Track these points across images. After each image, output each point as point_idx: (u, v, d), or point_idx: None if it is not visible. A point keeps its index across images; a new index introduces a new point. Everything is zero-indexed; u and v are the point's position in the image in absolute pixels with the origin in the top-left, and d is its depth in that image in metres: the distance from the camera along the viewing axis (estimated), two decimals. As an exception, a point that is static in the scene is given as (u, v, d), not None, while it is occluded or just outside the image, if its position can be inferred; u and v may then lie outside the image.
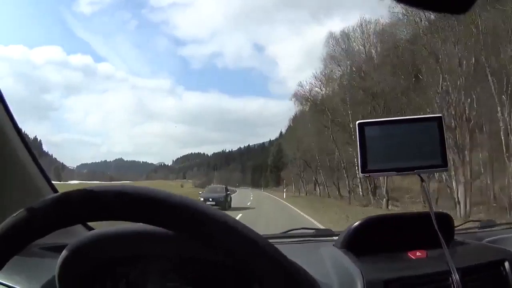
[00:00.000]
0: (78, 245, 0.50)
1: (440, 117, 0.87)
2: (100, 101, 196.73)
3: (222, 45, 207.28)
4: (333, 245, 1.02)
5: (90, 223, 0.93)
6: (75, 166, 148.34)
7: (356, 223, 0.99)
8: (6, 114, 0.90)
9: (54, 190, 1.03)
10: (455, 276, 0.76)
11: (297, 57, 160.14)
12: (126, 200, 0.41)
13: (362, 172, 0.86)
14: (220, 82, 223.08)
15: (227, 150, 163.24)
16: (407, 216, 1.05)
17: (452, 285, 0.77)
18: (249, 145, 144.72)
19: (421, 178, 0.89)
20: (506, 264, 0.84)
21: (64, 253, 0.50)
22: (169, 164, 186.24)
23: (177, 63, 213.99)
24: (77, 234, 0.52)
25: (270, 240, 1.49)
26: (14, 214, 0.41)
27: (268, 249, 0.43)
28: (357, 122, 0.88)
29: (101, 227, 0.52)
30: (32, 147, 0.99)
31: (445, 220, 0.98)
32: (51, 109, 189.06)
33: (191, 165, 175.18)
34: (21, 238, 0.41)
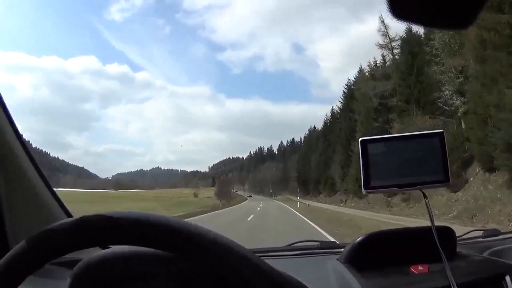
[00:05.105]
0: (90, 263, 0.52)
1: (442, 132, 0.88)
2: (140, 111, 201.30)
3: (261, 47, 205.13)
4: (337, 259, 1.04)
5: None
6: (111, 176, 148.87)
7: (360, 238, 1.02)
8: (16, 137, 0.94)
9: (67, 212, 1.09)
10: None
11: (339, 58, 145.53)
12: (137, 226, 0.43)
13: (365, 189, 0.89)
14: (261, 87, 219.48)
15: (265, 148, 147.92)
16: (410, 230, 1.09)
17: None
18: (293, 139, 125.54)
19: (423, 193, 0.90)
20: (507, 278, 0.85)
21: (75, 269, 0.52)
22: (206, 171, 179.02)
23: (216, 69, 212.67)
24: (90, 251, 0.52)
25: (275, 253, 1.31)
26: (31, 236, 0.43)
27: (260, 265, 0.45)
28: (360, 140, 0.90)
29: None
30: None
31: (447, 234, 1.00)
32: (93, 120, 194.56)
33: (226, 170, 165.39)
34: (36, 259, 0.43)
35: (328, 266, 1.02)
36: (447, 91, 21.68)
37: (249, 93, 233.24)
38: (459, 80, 21.49)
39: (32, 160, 0.99)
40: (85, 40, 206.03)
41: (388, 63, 32.74)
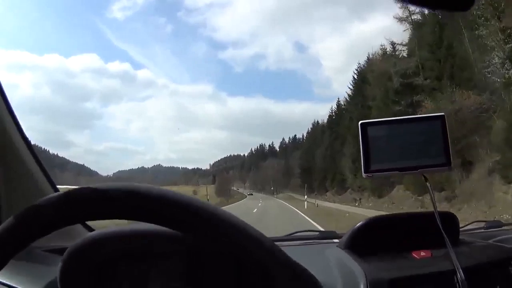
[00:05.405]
0: (79, 247, 0.52)
1: (443, 115, 0.89)
2: (142, 109, 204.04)
3: (263, 46, 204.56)
4: (337, 246, 1.04)
5: (91, 225, 1.04)
6: (112, 173, 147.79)
7: (360, 223, 1.01)
8: (8, 114, 0.95)
9: (55, 189, 1.08)
10: (460, 275, 0.77)
11: (341, 57, 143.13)
12: (130, 198, 0.41)
13: (365, 172, 0.88)
14: (264, 86, 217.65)
15: (266, 145, 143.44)
16: (411, 215, 1.09)
17: (457, 285, 0.77)
18: (295, 135, 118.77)
19: (425, 177, 0.90)
20: None
21: (65, 255, 0.53)
22: (207, 168, 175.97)
23: (218, 68, 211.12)
24: (78, 236, 0.53)
25: (275, 243, 1.34)
26: (19, 212, 0.42)
27: (275, 250, 0.46)
28: (360, 122, 0.90)
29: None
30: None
31: (450, 220, 0.98)
32: (94, 118, 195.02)
33: (227, 167, 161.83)
34: (25, 235, 0.42)
35: (328, 253, 1.00)
36: (496, 58, 16.93)
37: (251, 91, 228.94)
38: (510, 45, 16.86)
39: (33, 154, 0.99)
40: (86, 39, 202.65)
41: (398, 49, 28.20)
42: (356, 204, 27.46)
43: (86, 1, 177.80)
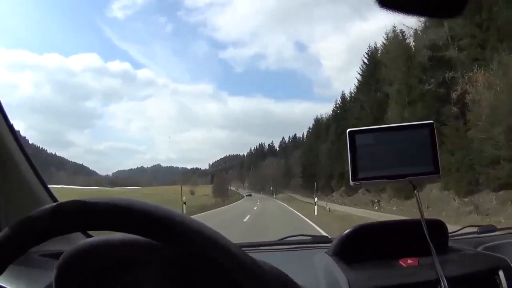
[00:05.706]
0: (73, 253, 0.53)
1: (432, 123, 0.89)
2: (142, 108, 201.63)
3: (263, 46, 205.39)
4: (326, 252, 1.04)
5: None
6: (112, 173, 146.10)
7: (348, 231, 1.01)
8: (4, 121, 0.95)
9: (53, 198, 1.11)
10: (444, 285, 0.77)
11: (342, 57, 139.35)
12: (114, 211, 0.44)
13: (352, 180, 0.89)
14: (264, 85, 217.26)
15: (266, 144, 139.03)
16: (400, 223, 1.08)
17: None
18: (295, 134, 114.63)
19: (413, 185, 0.91)
20: (501, 273, 0.84)
21: (60, 260, 0.53)
22: (206, 168, 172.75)
23: (218, 67, 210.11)
24: (75, 241, 0.54)
25: (266, 247, 1.32)
26: (13, 223, 0.45)
27: (242, 258, 0.46)
28: (348, 130, 0.90)
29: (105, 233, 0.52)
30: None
31: (438, 227, 0.99)
32: (94, 118, 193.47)
33: (226, 167, 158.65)
34: (18, 246, 0.45)
35: (316, 259, 1.00)
36: None
37: (251, 91, 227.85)
38: None
39: (31, 164, 1.00)
40: (86, 38, 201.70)
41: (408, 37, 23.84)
42: (376, 207, 22.53)
43: (87, 0, 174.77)
